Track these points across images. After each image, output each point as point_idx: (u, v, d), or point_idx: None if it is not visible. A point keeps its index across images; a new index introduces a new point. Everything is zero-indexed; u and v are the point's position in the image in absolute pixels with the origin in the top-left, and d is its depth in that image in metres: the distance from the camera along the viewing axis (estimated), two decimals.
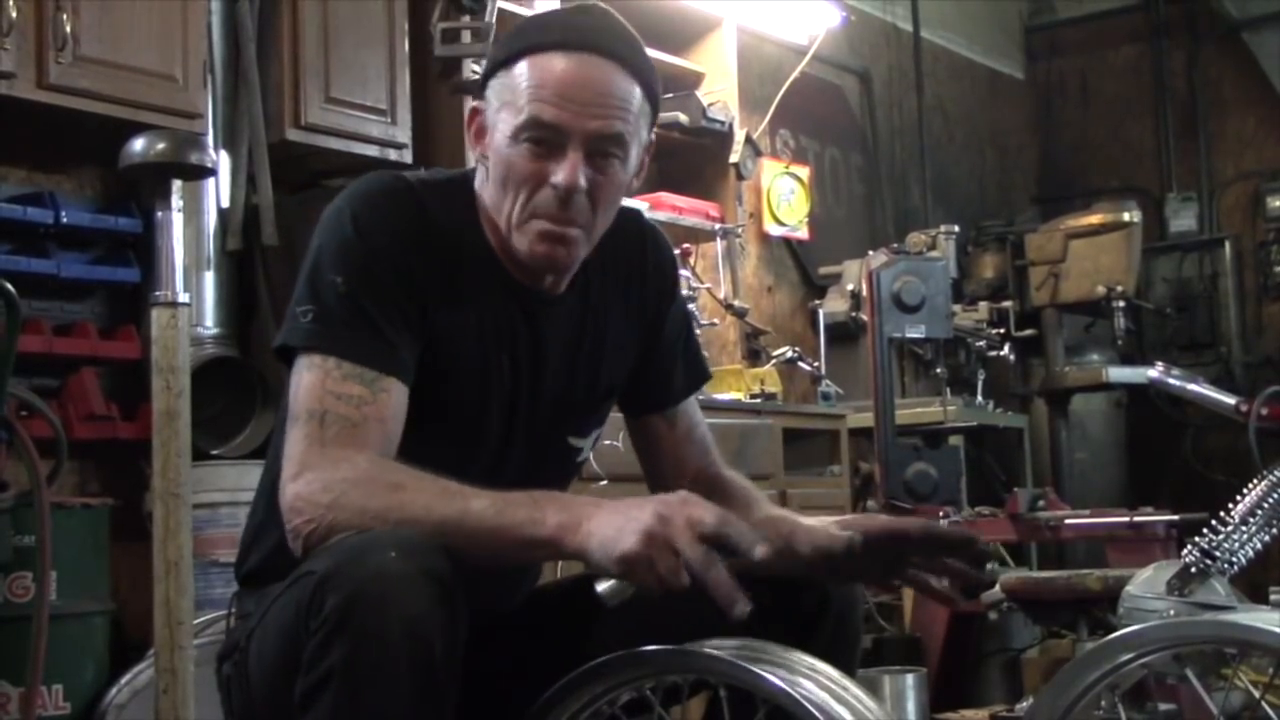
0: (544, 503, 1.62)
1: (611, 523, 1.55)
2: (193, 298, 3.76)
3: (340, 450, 1.68)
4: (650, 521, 1.52)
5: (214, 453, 3.86)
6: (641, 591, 1.56)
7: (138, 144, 2.48)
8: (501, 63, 1.80)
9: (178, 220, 2.57)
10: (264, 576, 1.87)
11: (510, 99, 1.78)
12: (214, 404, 3.87)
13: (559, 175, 1.77)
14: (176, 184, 2.56)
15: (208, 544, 3.50)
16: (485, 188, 1.85)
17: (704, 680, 1.64)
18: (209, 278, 3.95)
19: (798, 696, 1.51)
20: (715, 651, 1.59)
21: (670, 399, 2.08)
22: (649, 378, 2.06)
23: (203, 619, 3.15)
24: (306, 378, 1.73)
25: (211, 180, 3.87)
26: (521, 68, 1.77)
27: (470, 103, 1.85)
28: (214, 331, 3.94)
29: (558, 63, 1.76)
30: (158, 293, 2.51)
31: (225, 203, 3.99)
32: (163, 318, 2.49)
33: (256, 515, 1.96)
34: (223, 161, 3.95)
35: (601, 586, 1.57)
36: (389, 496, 1.63)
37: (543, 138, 1.76)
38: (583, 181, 1.77)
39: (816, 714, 1.50)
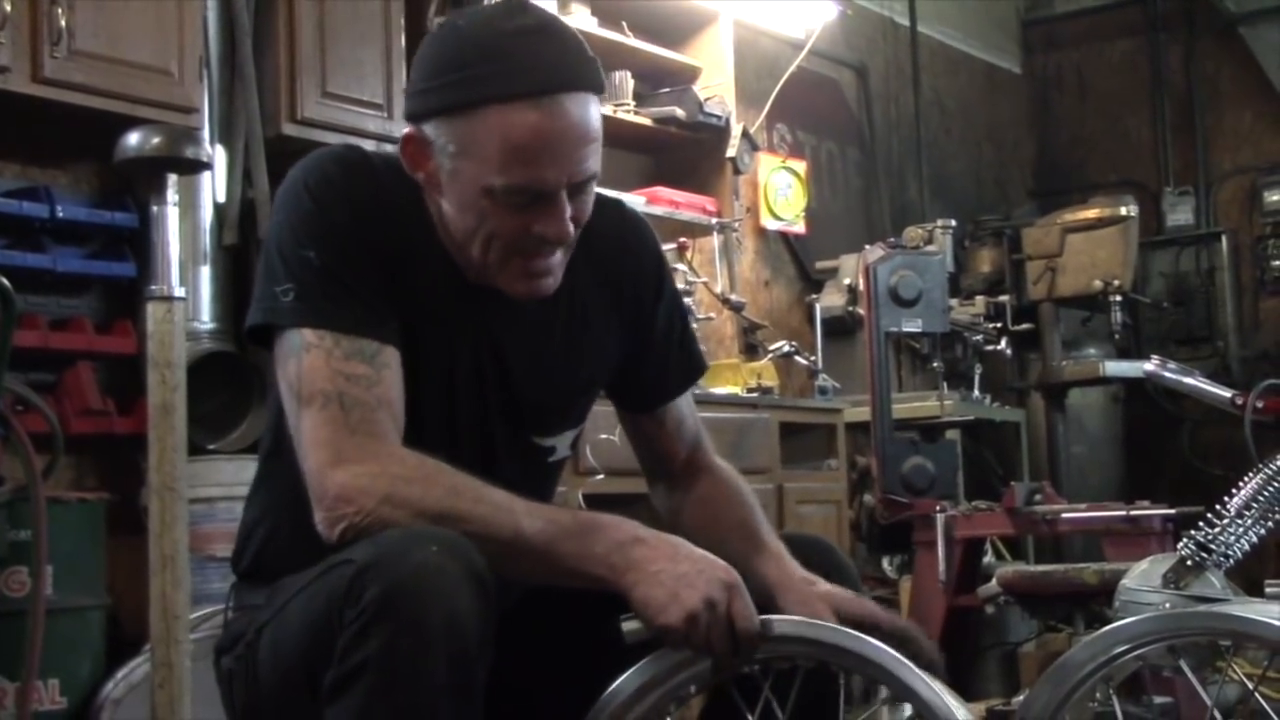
0: (593, 536, 1.63)
1: (661, 586, 1.59)
2: (189, 292, 3.76)
3: (372, 440, 1.67)
4: (698, 606, 1.57)
5: (210, 447, 3.86)
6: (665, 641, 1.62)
7: (133, 138, 2.48)
8: (455, 107, 1.70)
9: (173, 215, 2.56)
10: (265, 569, 1.86)
11: (477, 152, 1.70)
12: (210, 399, 3.87)
13: (549, 228, 1.73)
14: (172, 178, 2.56)
15: (204, 539, 3.50)
16: (438, 208, 1.79)
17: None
18: (205, 272, 3.95)
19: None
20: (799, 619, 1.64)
21: (662, 398, 2.05)
22: (641, 377, 2.03)
23: (199, 613, 3.15)
24: (308, 359, 1.70)
25: (207, 175, 3.87)
26: (488, 124, 1.68)
27: (405, 130, 1.77)
28: (210, 326, 3.94)
29: (529, 119, 1.67)
30: (153, 287, 2.51)
31: (221, 197, 3.99)
32: (158, 312, 2.49)
33: (254, 508, 1.95)
34: (218, 156, 3.95)
35: (628, 626, 1.63)
36: (445, 501, 1.63)
37: (527, 200, 1.71)
38: (570, 226, 1.75)
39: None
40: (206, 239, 3.96)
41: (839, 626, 1.63)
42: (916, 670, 1.56)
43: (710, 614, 1.58)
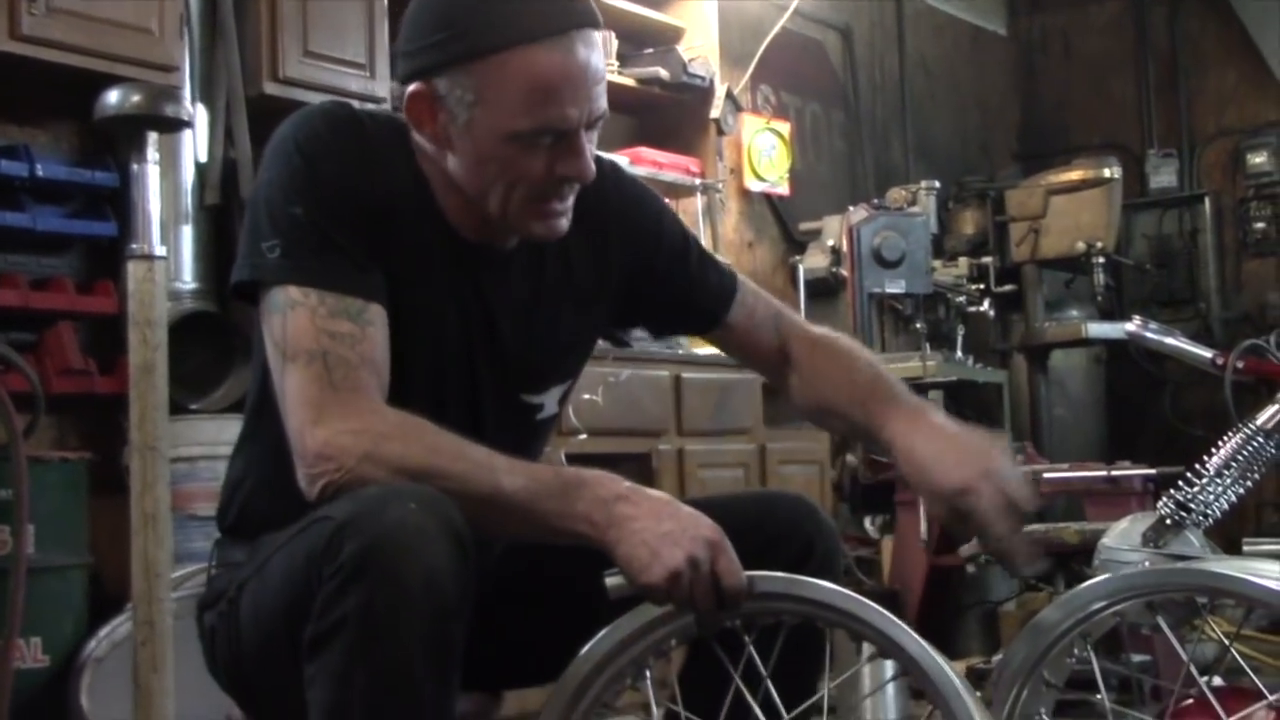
0: (572, 491, 1.63)
1: (644, 544, 1.59)
2: (170, 252, 3.75)
3: (355, 397, 1.67)
4: (681, 564, 1.58)
5: (192, 407, 3.86)
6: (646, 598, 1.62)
7: (112, 96, 2.46)
8: (472, 55, 1.70)
9: (154, 173, 2.55)
10: (248, 525, 1.86)
11: (499, 98, 1.70)
12: (192, 359, 3.86)
13: (573, 167, 1.75)
14: (152, 137, 2.54)
15: (186, 497, 3.50)
16: (444, 164, 1.79)
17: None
18: (187, 232, 3.93)
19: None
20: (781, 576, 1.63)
21: (720, 308, 2.07)
22: (689, 298, 2.05)
23: (181, 572, 3.15)
24: (293, 316, 1.70)
25: (188, 134, 3.85)
26: (511, 68, 1.69)
27: (410, 87, 1.76)
28: (192, 286, 3.93)
29: (554, 59, 1.69)
30: (134, 246, 2.50)
31: (202, 157, 3.97)
32: (139, 271, 2.48)
33: (236, 466, 1.95)
34: (199, 115, 3.93)
35: (611, 582, 1.62)
36: (426, 459, 1.63)
37: (554, 139, 1.73)
38: (593, 163, 1.77)
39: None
40: (188, 199, 3.94)
41: (824, 583, 1.62)
42: (903, 626, 1.57)
43: (694, 572, 1.58)
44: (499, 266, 1.87)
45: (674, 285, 2.05)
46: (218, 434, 3.60)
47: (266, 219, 1.74)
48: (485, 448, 1.66)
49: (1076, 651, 1.85)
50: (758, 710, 1.62)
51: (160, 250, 2.51)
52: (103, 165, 3.83)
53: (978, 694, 1.53)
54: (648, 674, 1.69)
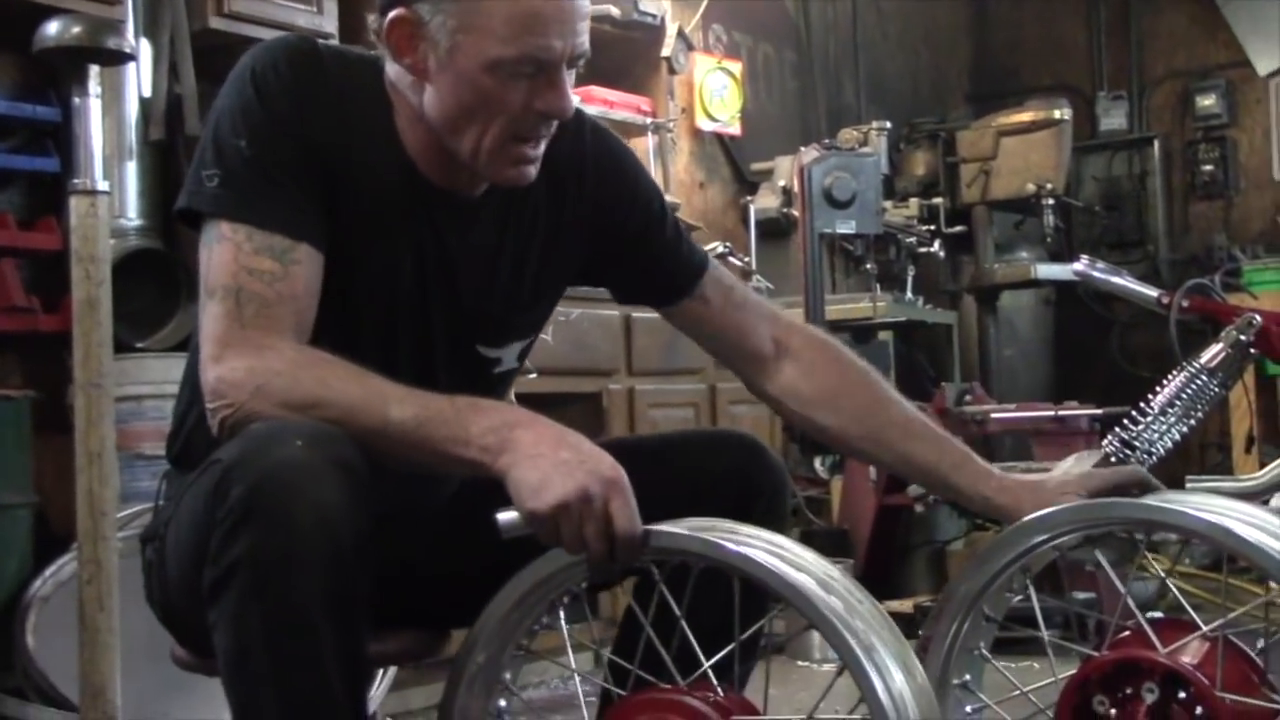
0: (467, 417, 1.60)
1: (536, 468, 1.54)
2: (114, 188, 3.70)
3: (261, 334, 1.65)
4: (572, 495, 1.53)
5: (139, 345, 3.82)
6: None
7: (52, 27, 2.42)
8: None
9: (95, 107, 2.52)
10: (189, 459, 1.84)
11: (483, 25, 1.68)
12: (139, 297, 3.82)
13: (553, 103, 1.73)
14: (94, 70, 2.51)
15: (133, 436, 3.47)
16: (418, 101, 1.77)
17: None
18: (131, 168, 3.88)
19: (762, 562, 1.53)
20: (679, 530, 1.60)
21: (692, 274, 2.02)
22: (658, 265, 2.01)
23: (128, 511, 3.14)
24: (218, 250, 1.70)
25: (131, 69, 3.79)
26: None
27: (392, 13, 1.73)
28: (137, 223, 3.88)
29: None
30: (76, 181, 2.47)
31: (146, 92, 3.91)
32: (81, 206, 2.45)
33: (183, 399, 1.93)
34: (143, 49, 3.86)
35: (504, 517, 1.57)
36: (313, 391, 1.61)
37: (535, 70, 1.71)
38: (572, 101, 1.76)
39: (783, 577, 1.53)
40: (132, 134, 3.88)
41: (706, 536, 1.58)
42: (791, 571, 1.55)
43: (584, 506, 1.53)
44: (464, 214, 1.85)
45: (645, 249, 2.02)
46: (165, 373, 3.56)
47: (212, 148, 1.73)
48: (380, 378, 1.62)
49: (1015, 584, 1.87)
50: (666, 656, 1.61)
51: (103, 185, 2.48)
52: (44, 99, 3.77)
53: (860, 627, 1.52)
54: (561, 616, 1.69)
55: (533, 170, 1.80)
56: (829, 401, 2.03)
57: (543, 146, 1.79)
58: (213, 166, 1.72)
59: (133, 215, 3.87)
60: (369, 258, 1.78)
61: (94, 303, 2.44)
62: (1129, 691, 1.75)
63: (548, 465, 1.54)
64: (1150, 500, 1.81)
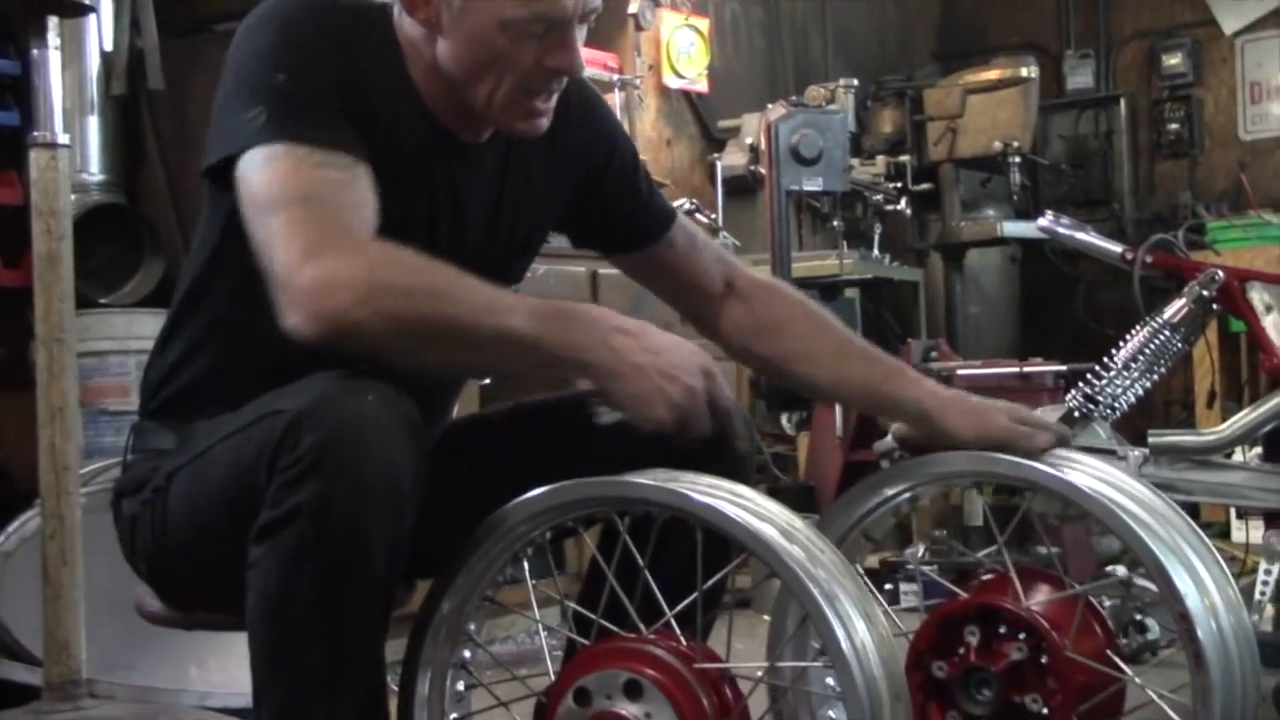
0: (574, 325, 1.62)
1: (648, 379, 1.61)
2: (76, 142, 3.68)
3: (348, 234, 1.59)
4: (681, 399, 1.61)
5: (102, 301, 3.80)
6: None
7: None
8: None
9: (55, 59, 2.50)
10: (179, 411, 1.83)
11: None
12: (102, 252, 3.80)
13: (563, 60, 1.74)
14: (53, 22, 2.49)
15: (97, 392, 3.46)
16: (431, 50, 1.77)
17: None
18: (93, 123, 3.85)
19: (729, 514, 1.56)
20: (644, 480, 1.63)
21: (662, 220, 2.05)
22: (633, 211, 2.04)
23: (92, 467, 3.12)
24: (275, 167, 1.63)
25: (93, 22, 3.76)
26: None
27: None
28: (100, 178, 3.86)
29: None
30: (36, 134, 2.45)
31: (108, 46, 3.88)
32: (41, 160, 2.44)
33: (171, 352, 1.88)
34: (104, 3, 3.83)
35: (605, 413, 1.67)
36: (432, 280, 1.59)
37: (547, 29, 1.72)
38: (582, 58, 1.77)
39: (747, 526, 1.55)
40: (94, 88, 3.86)
41: (671, 486, 1.61)
42: (753, 520, 1.56)
43: (692, 402, 1.61)
44: (472, 160, 1.86)
45: (622, 194, 2.04)
46: (128, 328, 3.55)
47: (247, 92, 1.68)
48: (479, 282, 1.62)
49: (899, 513, 1.99)
50: (629, 606, 1.62)
51: (64, 139, 2.47)
52: (3, 53, 3.74)
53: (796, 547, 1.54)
54: (526, 569, 1.70)
55: (544, 123, 1.82)
56: (770, 332, 2.06)
57: (554, 100, 1.81)
58: (253, 106, 1.66)
59: (95, 170, 3.85)
60: (387, 200, 1.75)
61: (55, 257, 2.43)
62: (989, 633, 1.82)
63: (655, 374, 1.61)
64: (1014, 459, 1.84)
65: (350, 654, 1.58)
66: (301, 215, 1.59)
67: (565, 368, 1.63)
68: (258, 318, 1.62)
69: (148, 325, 3.67)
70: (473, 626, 1.70)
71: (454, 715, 1.70)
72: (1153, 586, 1.74)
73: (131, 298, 3.87)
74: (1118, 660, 1.78)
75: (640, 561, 1.62)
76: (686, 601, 1.63)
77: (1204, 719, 1.69)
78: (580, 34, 1.77)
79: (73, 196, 2.83)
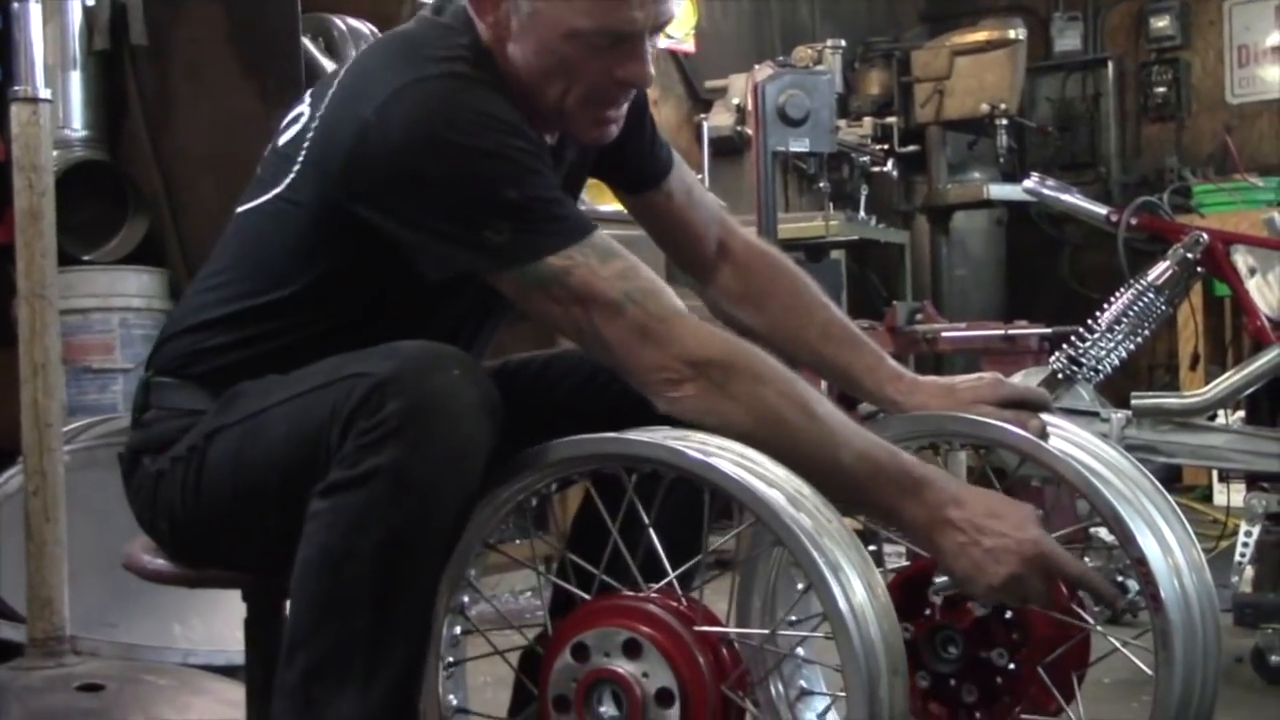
0: (905, 486, 1.65)
1: (967, 555, 1.64)
2: (58, 98, 3.64)
3: (671, 325, 1.65)
4: (1005, 580, 1.64)
5: (85, 258, 3.78)
6: None
7: None
8: None
9: (36, 12, 2.48)
10: (216, 374, 1.79)
11: None
12: (85, 209, 3.78)
13: (633, 72, 1.72)
14: None
15: (80, 349, 3.44)
16: (504, 53, 1.74)
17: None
18: (75, 78, 3.82)
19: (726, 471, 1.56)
20: (650, 438, 1.62)
21: (660, 169, 2.03)
22: (635, 157, 2.01)
23: (76, 424, 3.12)
24: (569, 282, 1.65)
25: None
26: None
27: None
28: (82, 134, 3.83)
29: None
30: (17, 88, 2.44)
31: (91, 0, 3.86)
32: (23, 114, 2.43)
33: (207, 311, 1.83)
34: None
35: (940, 580, 1.77)
36: (773, 409, 1.63)
37: (615, 41, 1.70)
38: (652, 69, 1.75)
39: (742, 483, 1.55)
40: (76, 43, 3.83)
41: (678, 445, 1.59)
42: (761, 486, 1.55)
43: (1016, 585, 1.64)
44: (554, 158, 1.84)
45: (625, 135, 1.95)
46: (110, 285, 3.54)
47: (474, 207, 1.65)
48: (825, 409, 1.65)
49: None
50: (632, 564, 1.62)
51: (45, 93, 2.45)
52: None
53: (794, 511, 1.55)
54: (529, 522, 1.71)
55: (614, 130, 1.81)
56: (757, 302, 2.05)
57: (624, 108, 1.80)
58: (492, 221, 1.64)
59: (77, 126, 3.83)
60: None
61: (37, 213, 2.42)
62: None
63: (979, 554, 1.64)
64: (980, 418, 1.85)
65: (398, 621, 1.60)
66: (631, 318, 1.65)
67: (888, 521, 1.70)
68: (361, 336, 1.67)
69: (131, 283, 3.66)
70: (473, 572, 1.70)
71: (449, 658, 1.70)
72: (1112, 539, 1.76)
73: (114, 255, 3.85)
74: (1080, 611, 1.79)
75: (646, 519, 1.62)
76: (691, 563, 1.64)
77: (1164, 660, 1.70)
78: (654, 43, 1.75)
79: (55, 152, 2.81)
